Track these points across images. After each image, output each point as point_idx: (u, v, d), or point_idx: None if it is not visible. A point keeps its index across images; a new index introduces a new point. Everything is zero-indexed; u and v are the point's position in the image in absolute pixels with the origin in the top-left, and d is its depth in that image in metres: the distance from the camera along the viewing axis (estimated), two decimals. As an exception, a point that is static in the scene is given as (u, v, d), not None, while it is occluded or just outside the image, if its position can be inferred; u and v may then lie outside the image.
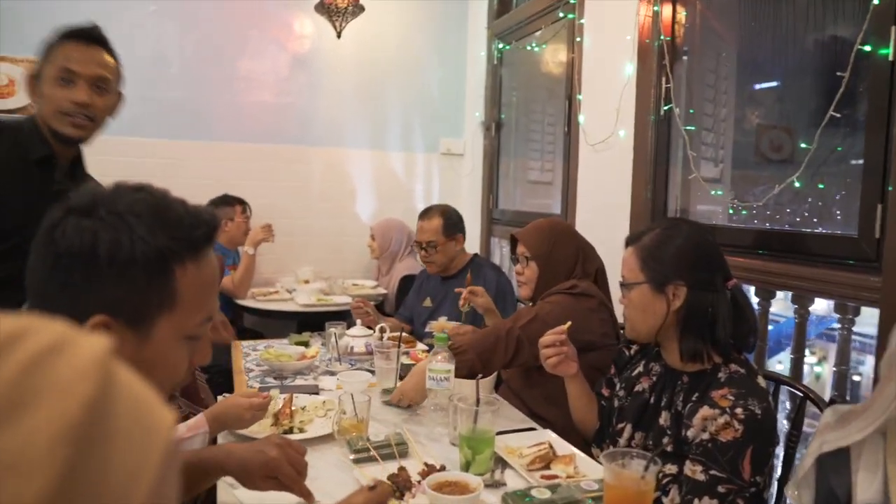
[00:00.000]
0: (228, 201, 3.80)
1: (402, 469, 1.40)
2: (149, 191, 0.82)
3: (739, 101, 2.36)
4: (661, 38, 2.39)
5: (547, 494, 1.24)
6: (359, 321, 2.57)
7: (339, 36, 3.64)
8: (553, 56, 3.42)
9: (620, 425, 1.59)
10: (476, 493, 1.25)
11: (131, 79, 3.77)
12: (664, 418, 1.49)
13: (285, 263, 4.20)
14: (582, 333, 1.87)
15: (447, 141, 4.54)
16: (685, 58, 2.46)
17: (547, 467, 1.46)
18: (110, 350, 0.38)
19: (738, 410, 1.33)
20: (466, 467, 1.44)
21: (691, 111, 2.40)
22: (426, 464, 1.44)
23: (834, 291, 1.86)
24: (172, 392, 0.88)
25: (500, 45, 4.00)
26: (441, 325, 2.86)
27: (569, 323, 1.68)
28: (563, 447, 1.58)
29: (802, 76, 2.10)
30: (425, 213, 3.09)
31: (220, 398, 1.77)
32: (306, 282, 3.96)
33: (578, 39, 2.94)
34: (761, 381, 1.43)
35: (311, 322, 3.31)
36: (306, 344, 2.55)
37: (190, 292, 0.81)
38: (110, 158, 3.78)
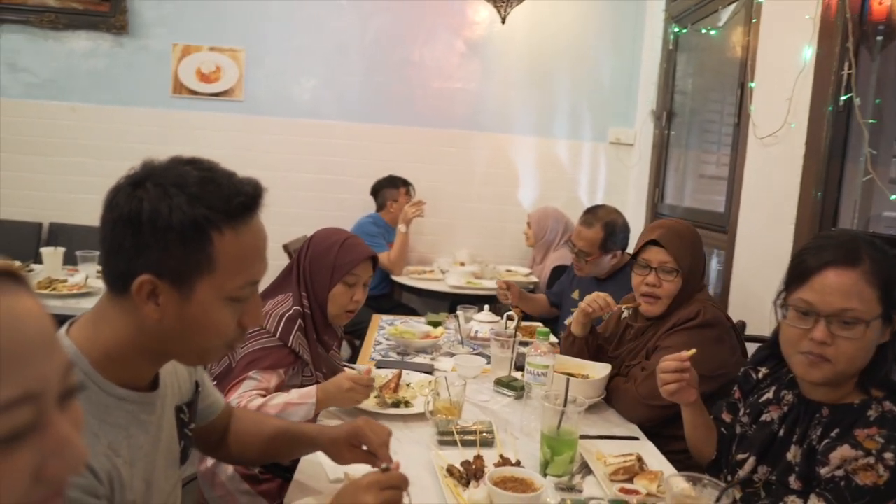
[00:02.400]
0: (394, 182, 4.00)
1: (477, 458, 1.40)
2: (197, 164, 0.90)
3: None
4: (847, 15, 2.07)
5: (604, 510, 1.16)
6: (486, 307, 2.57)
7: (503, 21, 3.64)
8: (730, 40, 3.11)
9: (742, 455, 1.43)
10: (535, 494, 1.22)
11: (317, 65, 4.15)
12: (793, 453, 1.32)
13: (444, 244, 4.33)
14: (715, 368, 1.71)
15: (616, 130, 4.35)
16: (879, 38, 2.11)
17: (630, 481, 1.37)
18: None
19: (889, 455, 1.14)
20: (545, 467, 1.41)
21: (877, 101, 2.05)
22: (502, 456, 1.42)
23: None
24: (226, 349, 0.96)
25: (676, 29, 3.73)
26: None
27: (693, 350, 1.54)
28: (655, 461, 1.47)
29: None
30: (588, 217, 2.73)
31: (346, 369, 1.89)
32: (462, 264, 4.05)
33: (755, 20, 2.64)
34: None
35: (463, 303, 3.35)
36: (439, 324, 2.61)
37: (228, 257, 0.89)
38: (294, 138, 4.17)
